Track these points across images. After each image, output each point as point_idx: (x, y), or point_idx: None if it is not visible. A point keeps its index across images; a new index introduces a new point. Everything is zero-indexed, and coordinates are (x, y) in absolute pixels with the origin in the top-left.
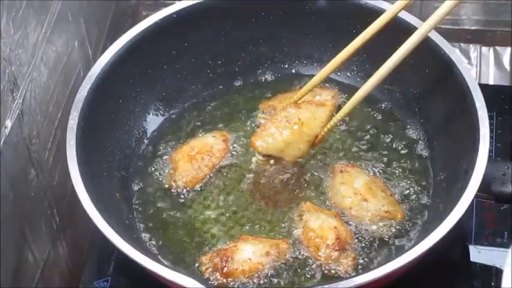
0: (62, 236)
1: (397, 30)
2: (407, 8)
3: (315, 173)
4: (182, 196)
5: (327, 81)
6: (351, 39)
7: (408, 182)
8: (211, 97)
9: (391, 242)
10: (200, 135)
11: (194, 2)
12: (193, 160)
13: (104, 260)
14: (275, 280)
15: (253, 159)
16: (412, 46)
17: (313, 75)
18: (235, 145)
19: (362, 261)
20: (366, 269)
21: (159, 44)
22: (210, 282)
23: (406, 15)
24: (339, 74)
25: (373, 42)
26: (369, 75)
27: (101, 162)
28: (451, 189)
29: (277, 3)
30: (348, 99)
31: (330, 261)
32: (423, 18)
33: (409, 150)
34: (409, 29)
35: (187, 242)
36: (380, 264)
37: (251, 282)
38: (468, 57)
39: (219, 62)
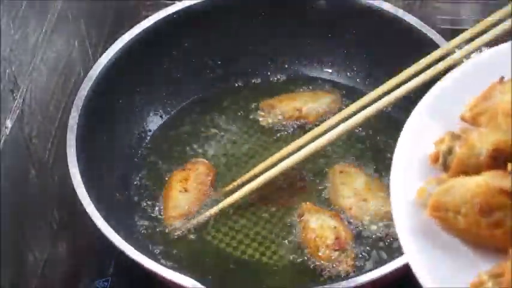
0: (62, 236)
1: (397, 30)
2: (407, 8)
3: (315, 173)
4: None
5: (327, 82)
6: (350, 39)
7: None
8: (211, 97)
9: (391, 242)
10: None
11: (194, 2)
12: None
13: (104, 260)
14: (274, 280)
15: (256, 158)
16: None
17: (313, 76)
18: (235, 145)
19: (362, 261)
20: (366, 269)
21: (159, 44)
22: None
23: (406, 15)
24: (339, 74)
25: (373, 42)
26: (369, 76)
27: (101, 162)
28: None
29: (277, 3)
30: (348, 100)
31: (330, 261)
32: (423, 18)
33: None
34: (409, 29)
35: (187, 241)
36: (380, 264)
37: None
38: (468, 57)
39: (219, 62)
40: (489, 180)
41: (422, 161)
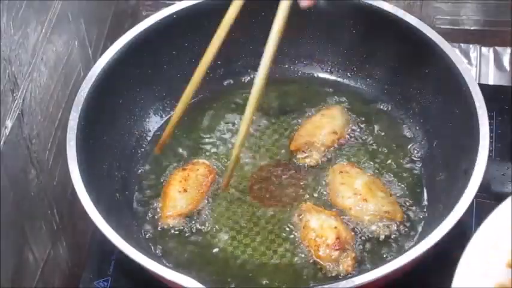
0: (62, 236)
1: (397, 30)
2: (407, 8)
3: (315, 174)
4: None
5: (327, 82)
6: (350, 39)
7: (408, 182)
8: (211, 97)
9: (390, 242)
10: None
11: (194, 2)
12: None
13: (104, 260)
14: (275, 280)
15: (256, 158)
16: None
17: (313, 75)
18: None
19: (362, 261)
20: (366, 269)
21: (159, 44)
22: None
23: (406, 15)
24: (339, 74)
25: (373, 42)
26: (369, 76)
27: (101, 162)
28: (451, 189)
29: (277, 3)
30: (348, 102)
31: (330, 261)
32: (423, 18)
33: (408, 150)
34: (409, 29)
35: (187, 241)
36: (380, 264)
37: None
38: (468, 57)
39: (219, 62)
40: None
41: None
